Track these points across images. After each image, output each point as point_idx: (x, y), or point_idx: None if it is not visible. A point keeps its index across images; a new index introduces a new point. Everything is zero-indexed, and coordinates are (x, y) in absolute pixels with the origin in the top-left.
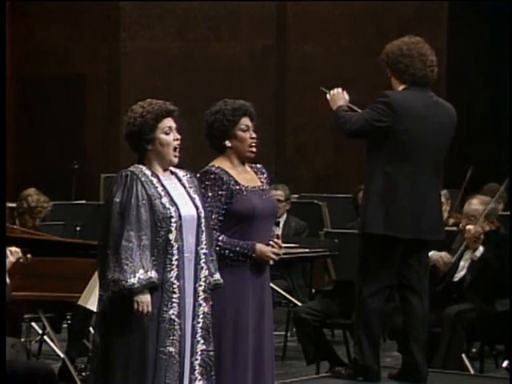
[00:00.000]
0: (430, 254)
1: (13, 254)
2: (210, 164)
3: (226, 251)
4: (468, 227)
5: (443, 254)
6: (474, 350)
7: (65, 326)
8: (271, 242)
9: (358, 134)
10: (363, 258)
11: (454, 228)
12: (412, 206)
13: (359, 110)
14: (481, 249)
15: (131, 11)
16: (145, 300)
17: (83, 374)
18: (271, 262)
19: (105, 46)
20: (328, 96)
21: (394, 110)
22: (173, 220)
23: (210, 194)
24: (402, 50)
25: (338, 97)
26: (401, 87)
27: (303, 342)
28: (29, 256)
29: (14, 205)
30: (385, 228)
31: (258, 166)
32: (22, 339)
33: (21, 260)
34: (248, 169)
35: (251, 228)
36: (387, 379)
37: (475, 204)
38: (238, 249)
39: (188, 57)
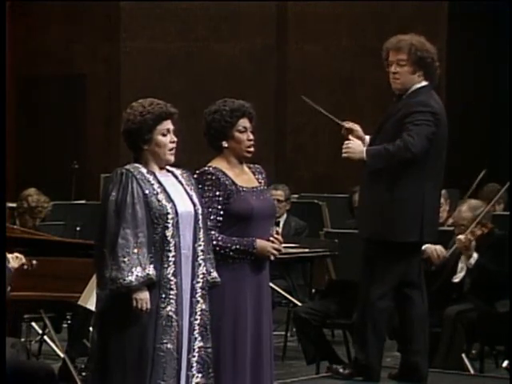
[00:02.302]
0: (425, 246)
1: (15, 260)
2: (208, 164)
3: (227, 250)
4: (458, 237)
5: (438, 247)
6: (473, 351)
7: (65, 326)
8: (271, 238)
9: (421, 155)
10: (374, 261)
11: (452, 228)
12: (434, 210)
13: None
14: (475, 255)
15: (131, 11)
16: (143, 297)
17: (83, 373)
18: (272, 258)
19: (105, 46)
20: (354, 145)
21: (438, 118)
22: (169, 216)
23: (207, 195)
24: (433, 49)
25: (356, 145)
26: (419, 85)
27: (303, 341)
28: (34, 262)
29: (14, 205)
30: (421, 237)
31: (257, 166)
32: (22, 339)
33: (25, 267)
34: (246, 169)
35: (249, 228)
36: (387, 379)
37: (464, 211)
38: (238, 246)
39: (188, 57)
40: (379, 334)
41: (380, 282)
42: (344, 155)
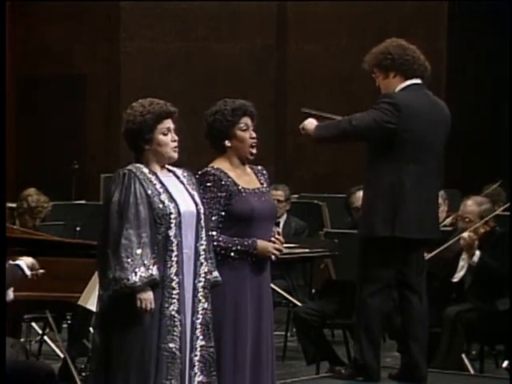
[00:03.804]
0: None
1: (30, 268)
2: (210, 165)
3: (228, 251)
4: (462, 235)
5: None
6: (473, 352)
7: (65, 326)
8: (272, 239)
9: (363, 132)
10: (364, 258)
11: (450, 228)
12: (419, 206)
13: (338, 117)
14: (477, 253)
15: (131, 11)
16: (147, 297)
17: (83, 374)
18: (273, 258)
19: (105, 46)
20: (309, 121)
21: (400, 110)
22: (172, 216)
23: (208, 196)
24: (402, 46)
25: (311, 122)
26: (403, 84)
27: (303, 341)
28: (41, 271)
29: (14, 205)
30: (393, 231)
31: (259, 167)
32: (22, 339)
33: (34, 277)
34: (248, 170)
35: (250, 229)
36: (387, 379)
37: (470, 205)
38: (239, 247)
39: (188, 57)
40: (372, 333)
41: (370, 280)
42: (300, 126)
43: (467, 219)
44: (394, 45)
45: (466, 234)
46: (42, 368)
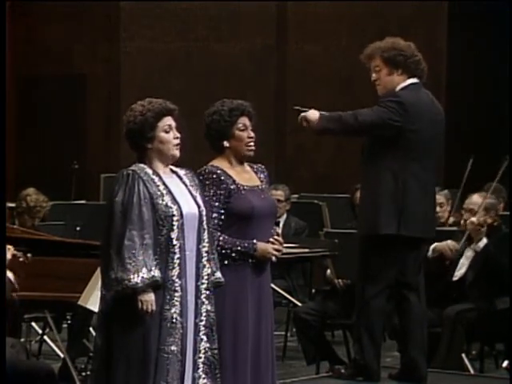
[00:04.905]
0: (434, 245)
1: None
2: (209, 164)
3: (228, 251)
4: (471, 219)
5: (449, 241)
6: (473, 352)
7: (65, 326)
8: (271, 239)
9: (368, 128)
10: (366, 258)
11: (455, 228)
12: (421, 205)
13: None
14: (484, 240)
15: (131, 11)
16: (149, 299)
17: (83, 373)
18: (273, 259)
19: (105, 46)
20: (303, 114)
21: (405, 109)
22: (175, 218)
23: (208, 194)
24: (410, 45)
25: (314, 113)
26: (404, 83)
27: (303, 341)
28: (29, 255)
29: (13, 205)
30: (398, 229)
31: (259, 165)
32: (22, 339)
33: (20, 259)
34: (247, 168)
35: (250, 227)
36: (387, 379)
37: (475, 198)
38: (239, 248)
39: (188, 57)
40: (374, 334)
41: (373, 280)
42: (302, 114)
43: (473, 211)
44: (403, 44)
45: (474, 218)
46: (42, 368)
